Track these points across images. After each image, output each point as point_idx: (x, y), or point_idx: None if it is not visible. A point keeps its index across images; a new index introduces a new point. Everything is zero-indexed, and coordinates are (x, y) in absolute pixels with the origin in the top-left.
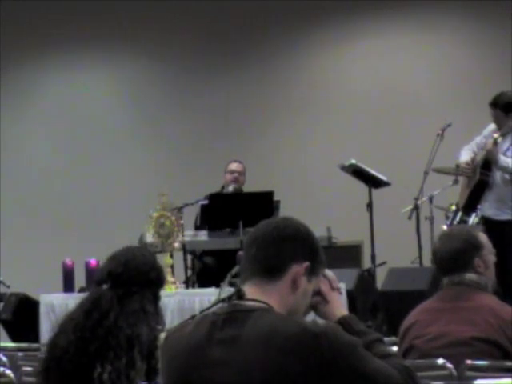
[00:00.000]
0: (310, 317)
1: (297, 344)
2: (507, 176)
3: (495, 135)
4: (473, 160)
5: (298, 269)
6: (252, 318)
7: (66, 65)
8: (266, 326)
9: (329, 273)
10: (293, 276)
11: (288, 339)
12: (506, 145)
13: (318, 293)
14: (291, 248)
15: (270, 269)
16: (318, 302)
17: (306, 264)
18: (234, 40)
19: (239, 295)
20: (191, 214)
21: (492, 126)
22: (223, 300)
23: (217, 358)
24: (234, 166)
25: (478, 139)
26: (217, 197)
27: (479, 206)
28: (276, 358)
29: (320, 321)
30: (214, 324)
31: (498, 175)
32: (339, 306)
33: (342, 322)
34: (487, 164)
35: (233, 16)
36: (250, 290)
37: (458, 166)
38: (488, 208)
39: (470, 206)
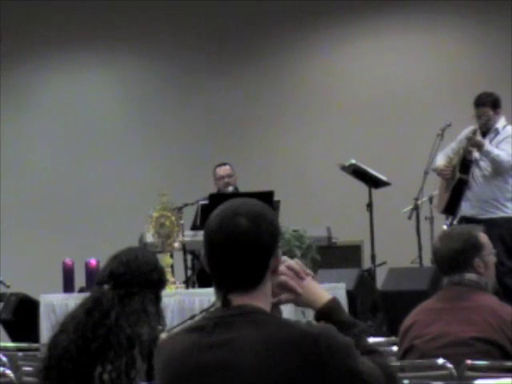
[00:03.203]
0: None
1: (295, 346)
2: (487, 173)
3: (473, 127)
4: (449, 163)
5: (274, 261)
6: (243, 321)
7: (66, 65)
8: (260, 329)
9: (294, 264)
10: (272, 269)
11: (286, 342)
12: (485, 141)
13: (289, 288)
14: (268, 253)
15: (251, 282)
16: (292, 298)
17: (279, 251)
18: (234, 40)
19: (225, 303)
20: (191, 214)
21: (468, 130)
22: (210, 308)
23: (210, 363)
24: (221, 171)
25: (454, 144)
26: (217, 197)
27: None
28: (274, 360)
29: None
30: (205, 329)
31: (478, 174)
32: (317, 292)
33: (327, 310)
34: (465, 164)
35: (233, 16)
36: (236, 299)
37: (435, 170)
38: (470, 207)
39: (451, 207)
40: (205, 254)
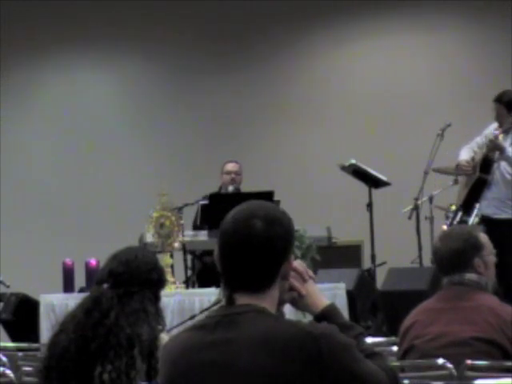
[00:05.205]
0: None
1: (297, 346)
2: (508, 176)
3: (496, 132)
4: (473, 159)
5: (286, 266)
6: (246, 320)
7: (66, 65)
8: (262, 328)
9: (298, 265)
10: (282, 274)
11: (288, 341)
12: (507, 143)
13: (291, 288)
14: (280, 258)
15: (260, 285)
16: (294, 297)
17: (291, 257)
18: (234, 40)
19: (230, 301)
20: (191, 214)
21: (493, 126)
22: (215, 304)
23: (211, 361)
24: (230, 167)
25: (479, 139)
26: (217, 196)
27: (477, 205)
28: (275, 359)
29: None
30: (207, 327)
31: (498, 175)
32: (317, 296)
33: (326, 314)
34: (486, 163)
35: (233, 16)
36: (241, 298)
37: (457, 165)
38: (487, 206)
39: (468, 203)
40: (217, 252)
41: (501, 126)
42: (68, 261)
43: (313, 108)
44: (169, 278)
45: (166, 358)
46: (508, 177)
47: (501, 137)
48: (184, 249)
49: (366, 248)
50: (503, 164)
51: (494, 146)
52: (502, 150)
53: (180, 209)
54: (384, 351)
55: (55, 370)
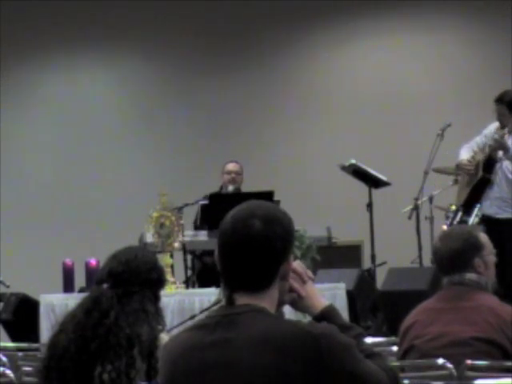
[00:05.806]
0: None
1: (297, 345)
2: (510, 176)
3: (504, 131)
4: (473, 158)
5: (286, 266)
6: (245, 320)
7: (66, 65)
8: (261, 328)
9: (297, 266)
10: (282, 274)
11: (287, 341)
12: (509, 142)
13: (291, 290)
14: (279, 259)
15: (259, 285)
16: (294, 298)
17: (291, 257)
18: (234, 39)
19: (230, 302)
20: (191, 214)
21: (493, 126)
22: (215, 304)
23: (212, 361)
24: (230, 167)
25: (479, 139)
26: (217, 197)
27: (477, 204)
28: (275, 359)
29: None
30: (207, 327)
31: (500, 174)
32: (316, 297)
33: (325, 314)
34: (489, 163)
35: (232, 15)
36: (241, 298)
37: (457, 165)
38: (489, 206)
39: (469, 203)
40: (217, 252)
41: (502, 126)
42: (68, 261)
43: (313, 108)
44: (169, 277)
45: (166, 358)
46: (510, 176)
47: (506, 137)
48: (184, 249)
49: (366, 248)
50: (506, 163)
51: (498, 145)
52: (506, 149)
53: (180, 209)
54: (384, 351)
55: (55, 370)
